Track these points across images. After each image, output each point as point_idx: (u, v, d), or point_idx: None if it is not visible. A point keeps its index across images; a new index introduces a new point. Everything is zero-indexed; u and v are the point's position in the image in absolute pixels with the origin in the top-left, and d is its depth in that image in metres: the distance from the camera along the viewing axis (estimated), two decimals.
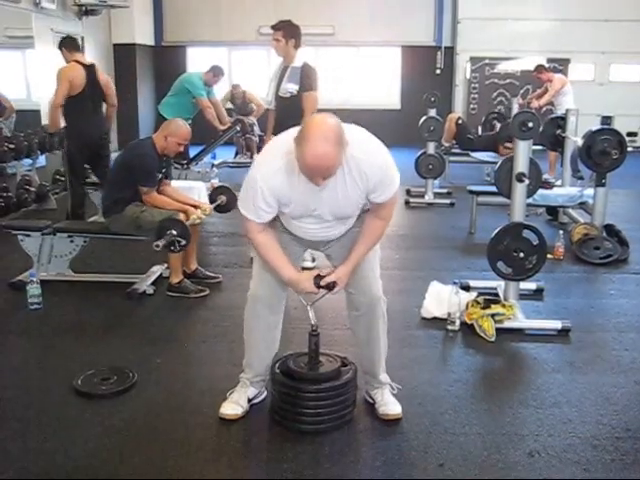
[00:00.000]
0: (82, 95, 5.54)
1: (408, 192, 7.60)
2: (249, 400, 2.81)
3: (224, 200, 4.76)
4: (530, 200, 4.01)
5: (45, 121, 6.33)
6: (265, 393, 2.89)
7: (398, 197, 2.55)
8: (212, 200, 4.74)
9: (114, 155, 5.62)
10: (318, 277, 2.58)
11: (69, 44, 5.81)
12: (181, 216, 4.15)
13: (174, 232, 3.94)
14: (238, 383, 2.86)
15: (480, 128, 9.36)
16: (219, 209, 4.76)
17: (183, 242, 3.99)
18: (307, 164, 2.25)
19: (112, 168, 4.38)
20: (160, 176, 4.34)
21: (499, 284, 4.09)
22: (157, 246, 3.84)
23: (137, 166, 4.18)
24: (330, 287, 2.59)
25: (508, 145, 7.44)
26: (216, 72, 7.35)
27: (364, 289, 2.71)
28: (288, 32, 4.62)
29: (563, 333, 3.69)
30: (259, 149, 7.28)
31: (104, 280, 4.53)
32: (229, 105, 9.91)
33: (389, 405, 2.78)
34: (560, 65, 11.65)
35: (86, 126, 5.61)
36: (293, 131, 2.38)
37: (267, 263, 2.62)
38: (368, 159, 2.39)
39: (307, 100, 4.58)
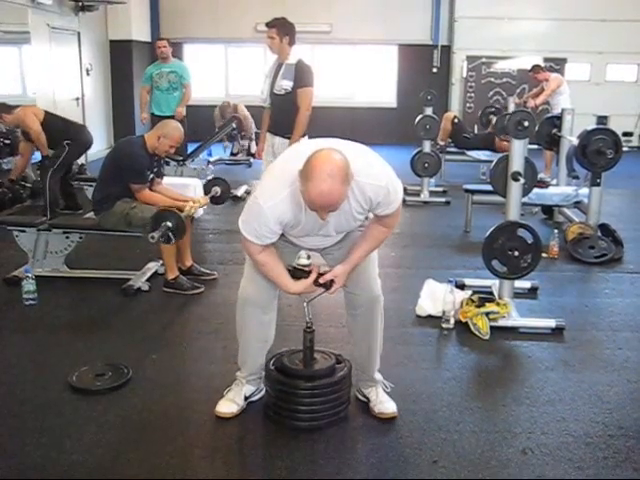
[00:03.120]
0: None
1: (404, 190, 7.57)
2: (246, 398, 2.81)
3: (218, 191, 4.75)
4: (525, 199, 4.03)
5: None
6: (263, 391, 2.88)
7: (401, 209, 2.54)
8: (206, 192, 4.72)
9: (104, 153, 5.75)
10: (318, 276, 2.58)
11: None
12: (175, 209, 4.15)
13: (169, 224, 3.94)
14: (234, 381, 2.86)
15: (476, 126, 9.38)
16: (214, 200, 4.74)
17: (178, 233, 3.99)
18: (312, 201, 2.24)
19: (102, 164, 4.39)
20: (151, 175, 4.34)
21: (494, 282, 4.10)
22: (152, 238, 3.85)
23: (127, 165, 4.18)
24: (327, 286, 2.59)
25: (505, 138, 7.45)
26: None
27: (363, 288, 2.70)
28: (282, 29, 4.63)
29: (557, 332, 3.70)
30: (256, 144, 7.28)
31: (99, 276, 4.53)
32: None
33: (385, 404, 2.79)
34: (556, 65, 11.68)
35: None
36: (295, 155, 2.36)
37: (269, 279, 2.62)
38: (373, 182, 2.37)
39: (302, 96, 4.59)
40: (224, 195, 4.76)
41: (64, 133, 6.10)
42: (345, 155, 2.26)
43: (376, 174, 2.40)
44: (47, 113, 6.21)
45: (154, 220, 3.98)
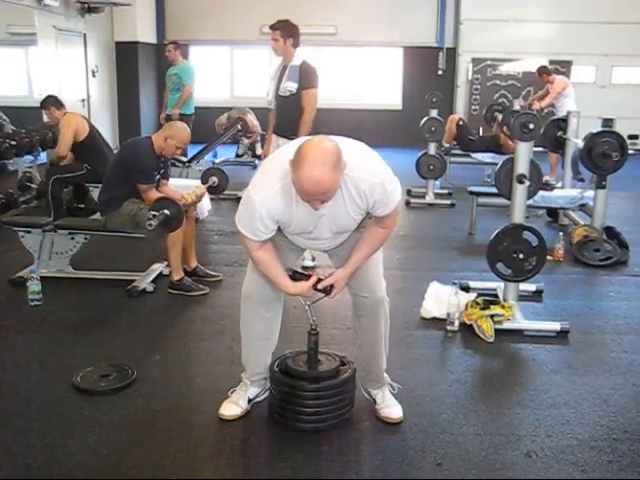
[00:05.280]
0: None
1: (409, 192, 7.61)
2: (250, 400, 2.81)
3: (215, 181, 4.74)
4: (530, 202, 4.02)
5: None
6: (268, 392, 2.89)
7: (401, 208, 2.52)
8: (204, 181, 4.71)
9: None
10: (317, 281, 2.57)
11: None
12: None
13: (166, 212, 3.94)
14: (240, 382, 2.86)
15: (481, 128, 9.38)
16: (212, 190, 4.72)
17: (176, 222, 3.99)
18: (304, 189, 2.18)
19: (109, 165, 4.40)
20: (158, 176, 4.35)
21: (499, 285, 4.10)
22: (150, 225, 3.84)
23: (134, 165, 4.19)
24: (327, 291, 2.58)
25: (506, 132, 7.47)
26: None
27: (367, 289, 2.69)
28: (286, 31, 4.64)
29: (562, 335, 3.69)
30: (261, 146, 7.30)
31: (104, 277, 4.54)
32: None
33: (391, 408, 2.78)
34: (562, 67, 11.66)
35: None
36: (289, 150, 2.31)
37: (266, 277, 2.60)
38: (366, 179, 2.32)
39: (306, 98, 4.59)
40: (222, 184, 4.75)
41: (91, 158, 5.86)
42: (337, 143, 2.22)
43: (371, 170, 2.36)
44: (92, 132, 5.95)
45: (152, 209, 3.97)
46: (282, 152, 2.48)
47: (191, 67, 7.87)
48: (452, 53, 12.50)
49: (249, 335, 2.80)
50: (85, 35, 10.06)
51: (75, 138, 5.80)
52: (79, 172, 5.91)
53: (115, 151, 5.90)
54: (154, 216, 3.89)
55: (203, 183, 4.63)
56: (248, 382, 2.83)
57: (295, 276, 2.58)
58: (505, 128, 7.65)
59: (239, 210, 2.45)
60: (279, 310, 2.80)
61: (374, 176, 2.34)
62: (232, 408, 2.77)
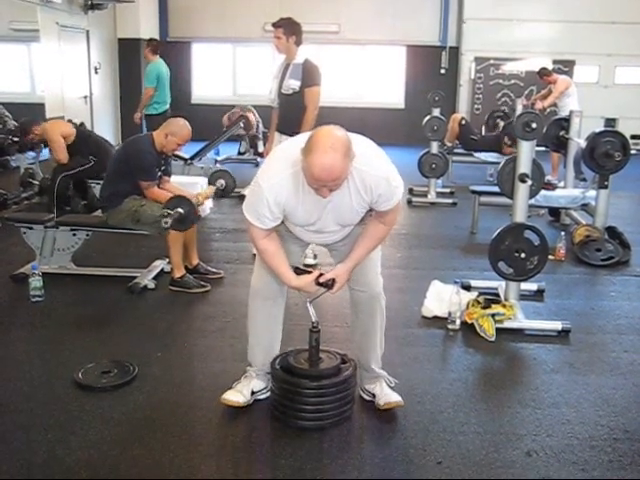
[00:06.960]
0: None
1: (411, 191, 7.61)
2: (254, 393, 2.83)
3: (223, 184, 4.77)
4: (532, 201, 4.02)
5: (50, 114, 6.48)
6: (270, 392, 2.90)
7: (401, 206, 2.54)
8: (211, 184, 4.73)
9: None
10: (319, 276, 2.60)
11: None
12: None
13: (181, 210, 3.98)
14: (244, 375, 2.87)
15: (483, 128, 9.38)
16: (219, 193, 4.74)
17: (189, 220, 4.02)
18: (314, 175, 2.23)
19: (110, 162, 4.41)
20: (159, 173, 4.36)
21: (500, 284, 4.10)
22: (166, 223, 3.87)
23: (135, 162, 4.20)
24: (329, 285, 2.60)
25: (507, 142, 7.50)
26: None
27: (364, 285, 2.73)
28: (289, 29, 4.64)
29: (563, 334, 3.69)
30: (264, 145, 7.30)
31: (106, 274, 4.54)
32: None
33: (390, 395, 2.80)
34: (565, 67, 11.65)
35: None
36: (300, 140, 2.37)
37: (270, 268, 2.64)
38: (372, 172, 2.38)
39: (309, 95, 4.60)
40: (229, 187, 4.78)
41: (91, 152, 6.00)
42: (347, 132, 2.28)
43: (377, 165, 2.42)
44: (79, 133, 6.06)
45: (166, 207, 4.00)
46: (293, 142, 2.51)
47: (154, 68, 7.54)
48: (455, 52, 12.48)
49: (258, 330, 2.82)
50: (88, 32, 10.07)
51: (65, 141, 5.91)
52: (87, 165, 5.98)
53: (115, 145, 5.93)
54: (168, 214, 3.91)
55: (211, 185, 4.66)
56: (254, 374, 2.85)
57: (297, 272, 2.63)
58: (506, 138, 7.66)
59: (247, 197, 2.52)
60: (283, 305, 2.83)
61: (380, 170, 2.41)
62: (235, 395, 2.78)
